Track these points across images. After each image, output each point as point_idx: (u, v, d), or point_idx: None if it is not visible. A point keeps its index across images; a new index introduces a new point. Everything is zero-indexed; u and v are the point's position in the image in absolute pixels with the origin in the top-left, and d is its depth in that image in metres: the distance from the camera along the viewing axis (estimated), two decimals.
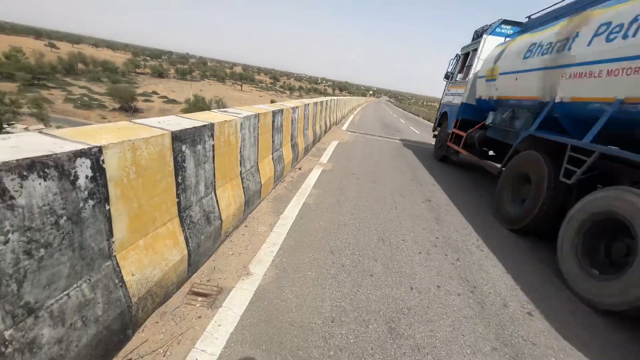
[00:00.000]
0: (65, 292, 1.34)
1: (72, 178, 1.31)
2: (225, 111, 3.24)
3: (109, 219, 1.53)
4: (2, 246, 1.07)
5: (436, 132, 9.47)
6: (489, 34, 6.78)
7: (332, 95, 13.17)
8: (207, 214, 2.52)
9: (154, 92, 23.02)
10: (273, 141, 4.27)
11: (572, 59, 3.83)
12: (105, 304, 1.52)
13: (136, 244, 1.77)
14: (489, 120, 5.95)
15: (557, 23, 4.50)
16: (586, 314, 2.67)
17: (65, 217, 1.30)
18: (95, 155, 1.40)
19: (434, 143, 9.61)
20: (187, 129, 2.13)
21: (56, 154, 1.23)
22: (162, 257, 1.94)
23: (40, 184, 1.18)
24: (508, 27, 6.69)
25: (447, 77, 8.77)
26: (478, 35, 7.32)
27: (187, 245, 2.20)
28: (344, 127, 12.97)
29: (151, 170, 1.81)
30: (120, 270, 1.62)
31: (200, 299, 2.16)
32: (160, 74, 38.21)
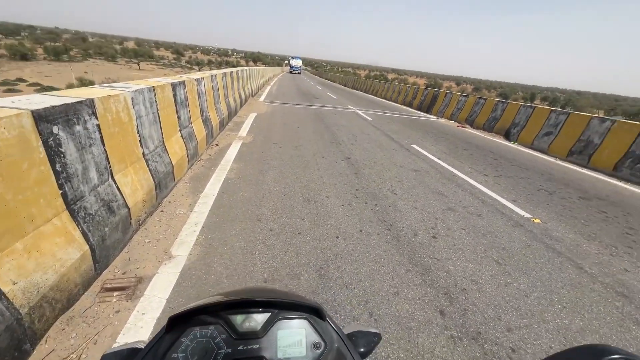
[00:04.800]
0: None
1: None
2: (109, 86, 2.80)
3: None
4: None
5: (287, 68, 62.05)
6: (290, 58, 60.43)
7: (246, 67, 12.54)
8: (108, 203, 2.24)
9: (20, 80, 18.29)
10: (179, 117, 3.90)
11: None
12: None
13: (11, 248, 1.48)
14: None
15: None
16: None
17: None
18: None
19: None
20: (55, 106, 1.79)
21: None
22: (53, 258, 1.68)
23: None
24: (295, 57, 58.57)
25: (286, 60, 76.38)
26: (290, 57, 61.38)
27: (87, 240, 1.94)
28: (261, 98, 12.53)
29: (11, 159, 1.49)
30: None
31: (116, 293, 1.97)
32: (23, 56, 30.44)
